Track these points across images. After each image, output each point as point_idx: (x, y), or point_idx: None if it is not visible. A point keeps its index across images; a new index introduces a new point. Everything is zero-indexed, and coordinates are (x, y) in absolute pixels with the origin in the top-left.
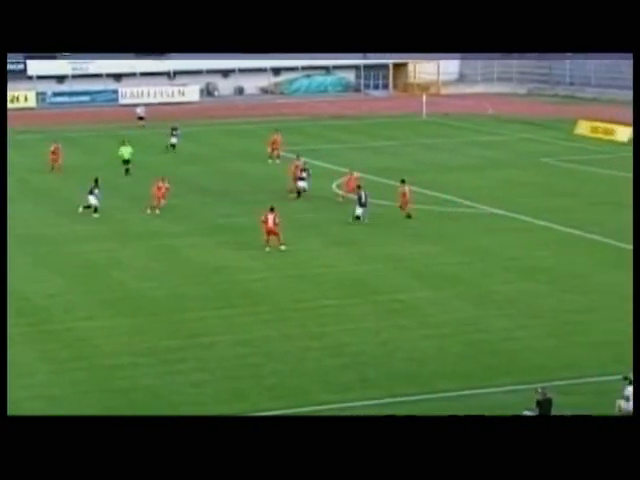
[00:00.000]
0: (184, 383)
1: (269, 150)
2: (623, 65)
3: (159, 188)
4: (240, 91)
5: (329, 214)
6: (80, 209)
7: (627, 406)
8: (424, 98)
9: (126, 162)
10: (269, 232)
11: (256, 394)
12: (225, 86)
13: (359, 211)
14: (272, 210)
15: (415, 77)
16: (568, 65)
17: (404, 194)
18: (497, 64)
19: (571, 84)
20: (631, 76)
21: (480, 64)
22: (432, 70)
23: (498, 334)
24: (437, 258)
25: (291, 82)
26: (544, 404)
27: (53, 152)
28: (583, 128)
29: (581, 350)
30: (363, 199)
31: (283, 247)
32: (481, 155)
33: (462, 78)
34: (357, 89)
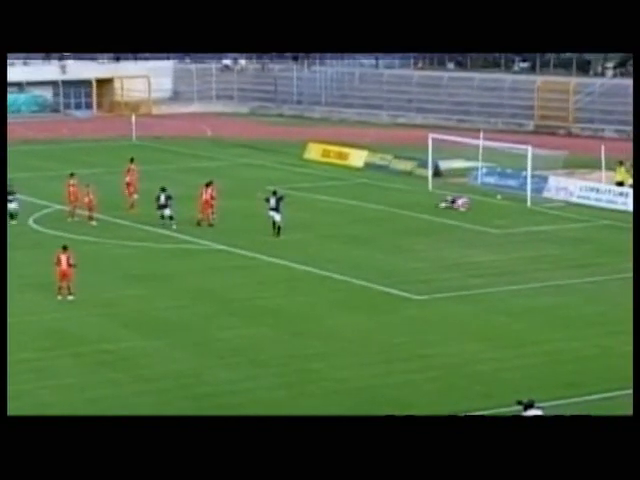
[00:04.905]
0: None
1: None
2: (355, 81)
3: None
4: None
5: (20, 253)
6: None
7: None
8: (133, 119)
9: None
10: (63, 276)
11: None
12: None
13: None
14: (65, 249)
15: (123, 95)
16: (295, 82)
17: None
18: (215, 81)
19: (299, 103)
20: (364, 94)
21: (197, 81)
22: (142, 87)
23: (223, 387)
24: (151, 302)
25: None
26: None
27: None
28: (313, 152)
29: (314, 401)
30: None
31: (71, 297)
32: (199, 183)
33: (176, 96)
34: (56, 109)
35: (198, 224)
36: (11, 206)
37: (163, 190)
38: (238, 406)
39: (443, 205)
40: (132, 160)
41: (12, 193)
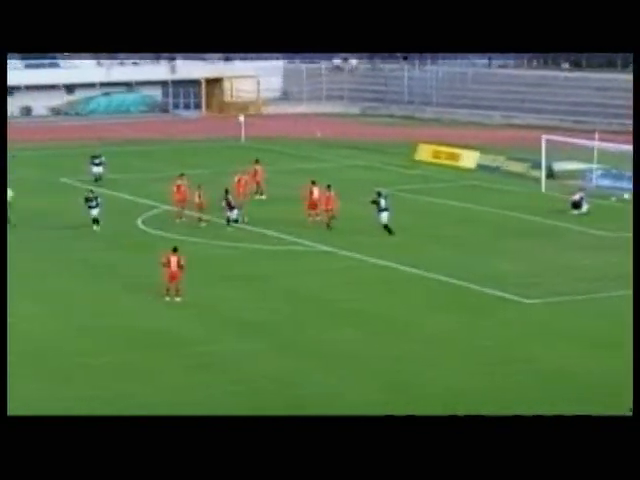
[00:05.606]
0: None
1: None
2: (467, 81)
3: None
4: (27, 111)
5: (128, 253)
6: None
7: None
8: (242, 119)
9: None
10: (172, 278)
11: None
12: (9, 106)
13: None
14: (175, 251)
15: (232, 95)
16: (406, 82)
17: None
18: (325, 80)
19: (410, 103)
20: (476, 94)
21: (306, 80)
22: (251, 87)
23: (317, 388)
24: (250, 302)
25: (87, 101)
26: None
27: None
28: (424, 153)
29: (417, 405)
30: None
31: (179, 299)
32: (304, 184)
33: (286, 96)
34: (164, 109)
35: (328, 226)
36: (93, 212)
37: (227, 192)
38: (339, 409)
39: (585, 209)
40: (257, 161)
41: (93, 199)
